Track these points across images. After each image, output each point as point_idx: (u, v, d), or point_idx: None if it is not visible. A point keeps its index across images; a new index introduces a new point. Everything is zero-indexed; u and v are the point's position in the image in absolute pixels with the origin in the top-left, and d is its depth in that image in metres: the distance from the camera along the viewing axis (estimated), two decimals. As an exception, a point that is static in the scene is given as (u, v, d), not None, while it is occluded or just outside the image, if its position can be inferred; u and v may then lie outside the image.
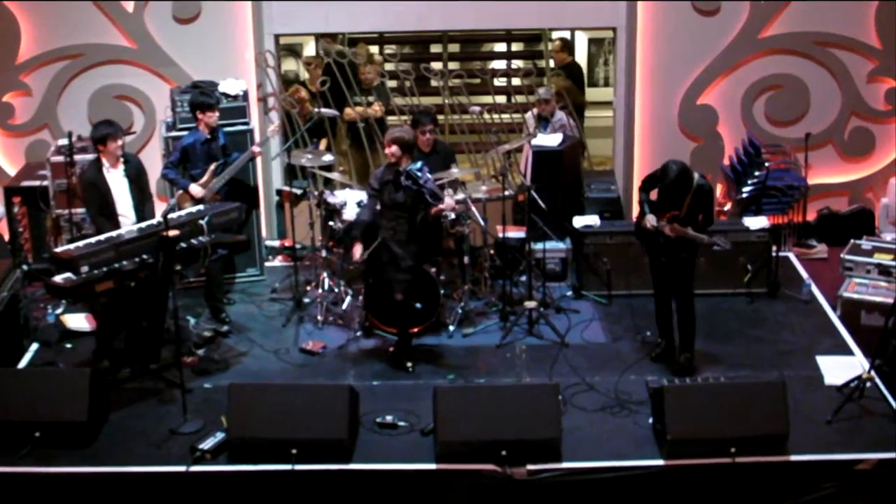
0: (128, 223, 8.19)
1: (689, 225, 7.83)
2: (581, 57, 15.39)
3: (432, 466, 7.10)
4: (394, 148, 8.03)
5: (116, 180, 8.27)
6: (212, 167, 8.88)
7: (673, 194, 7.81)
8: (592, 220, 9.67)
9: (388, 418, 7.52)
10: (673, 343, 8.27)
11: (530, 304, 8.88)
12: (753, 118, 10.91)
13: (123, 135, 8.40)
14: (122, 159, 8.27)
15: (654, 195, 8.04)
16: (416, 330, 8.67)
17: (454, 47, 14.35)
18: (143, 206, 8.39)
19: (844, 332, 8.78)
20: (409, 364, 8.30)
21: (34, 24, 10.47)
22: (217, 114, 8.96)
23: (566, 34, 14.85)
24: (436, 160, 8.96)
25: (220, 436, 7.24)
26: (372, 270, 8.51)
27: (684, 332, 8.14)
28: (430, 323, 8.76)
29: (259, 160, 9.80)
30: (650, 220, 7.95)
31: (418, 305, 8.57)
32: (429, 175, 8.09)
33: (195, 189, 8.83)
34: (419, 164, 8.08)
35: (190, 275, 8.94)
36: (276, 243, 10.80)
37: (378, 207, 8.24)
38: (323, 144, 11.09)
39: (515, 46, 14.80)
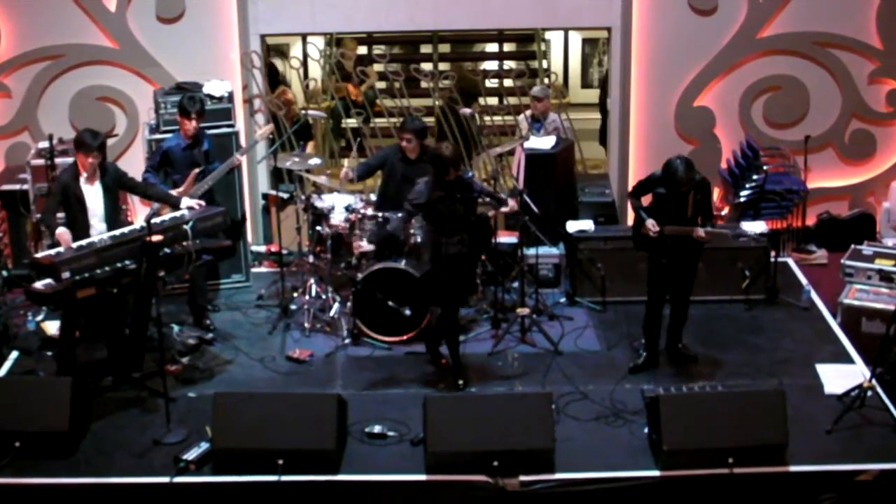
0: (97, 234, 7.88)
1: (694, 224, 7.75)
2: (575, 58, 15.31)
3: (422, 478, 7.04)
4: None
5: (93, 191, 7.93)
6: (193, 173, 8.69)
7: (680, 194, 7.66)
8: (586, 224, 9.61)
9: (377, 428, 7.47)
10: (656, 355, 8.22)
11: (523, 311, 8.80)
12: (752, 120, 10.83)
13: (98, 153, 7.81)
14: (98, 173, 7.91)
15: (646, 201, 7.88)
16: (406, 337, 8.61)
17: (445, 48, 14.26)
18: (116, 216, 8.12)
19: (845, 339, 8.73)
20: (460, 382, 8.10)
21: (14, 23, 10.36)
22: (194, 123, 8.70)
23: (559, 35, 14.81)
24: (421, 167, 8.71)
25: (204, 446, 7.18)
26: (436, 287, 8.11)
27: (675, 328, 8.17)
28: (419, 330, 8.64)
29: (245, 163, 9.65)
30: (652, 224, 7.78)
31: (407, 312, 8.50)
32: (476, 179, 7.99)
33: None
34: (470, 173, 7.96)
35: (172, 281, 8.79)
36: (262, 249, 10.71)
37: (420, 224, 8.12)
38: (310, 147, 10.98)
39: (507, 47, 14.70)
